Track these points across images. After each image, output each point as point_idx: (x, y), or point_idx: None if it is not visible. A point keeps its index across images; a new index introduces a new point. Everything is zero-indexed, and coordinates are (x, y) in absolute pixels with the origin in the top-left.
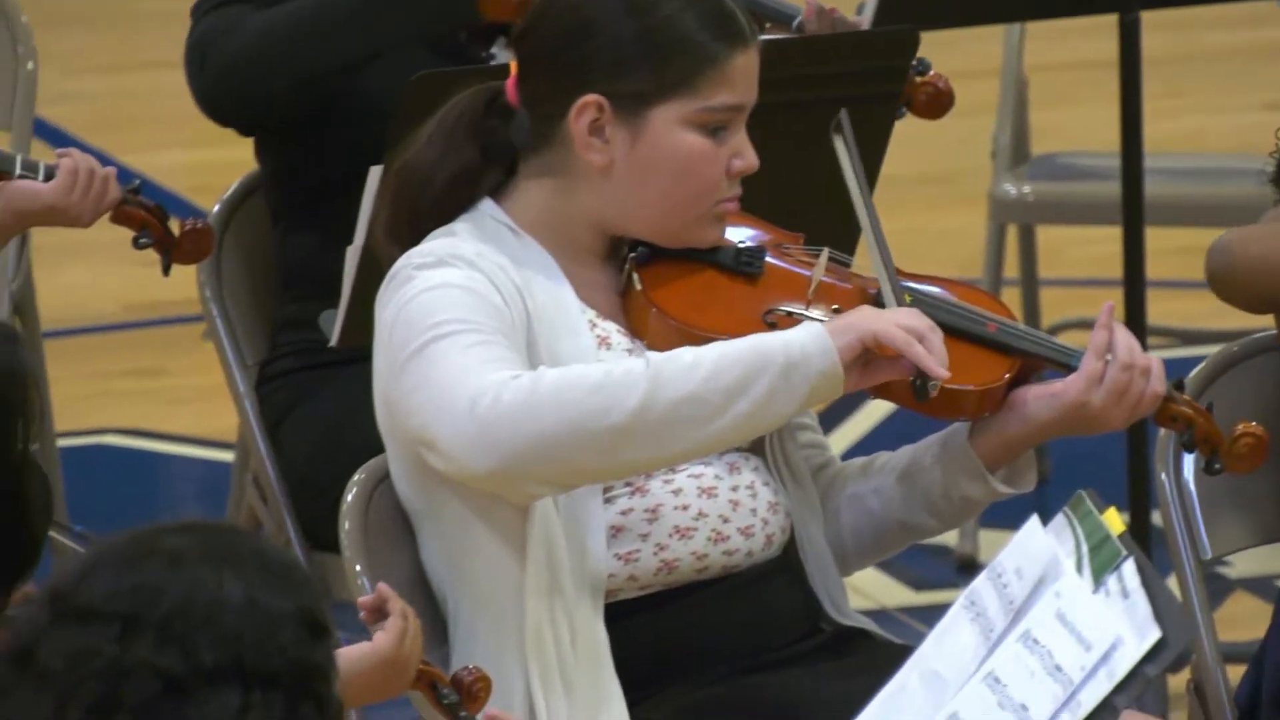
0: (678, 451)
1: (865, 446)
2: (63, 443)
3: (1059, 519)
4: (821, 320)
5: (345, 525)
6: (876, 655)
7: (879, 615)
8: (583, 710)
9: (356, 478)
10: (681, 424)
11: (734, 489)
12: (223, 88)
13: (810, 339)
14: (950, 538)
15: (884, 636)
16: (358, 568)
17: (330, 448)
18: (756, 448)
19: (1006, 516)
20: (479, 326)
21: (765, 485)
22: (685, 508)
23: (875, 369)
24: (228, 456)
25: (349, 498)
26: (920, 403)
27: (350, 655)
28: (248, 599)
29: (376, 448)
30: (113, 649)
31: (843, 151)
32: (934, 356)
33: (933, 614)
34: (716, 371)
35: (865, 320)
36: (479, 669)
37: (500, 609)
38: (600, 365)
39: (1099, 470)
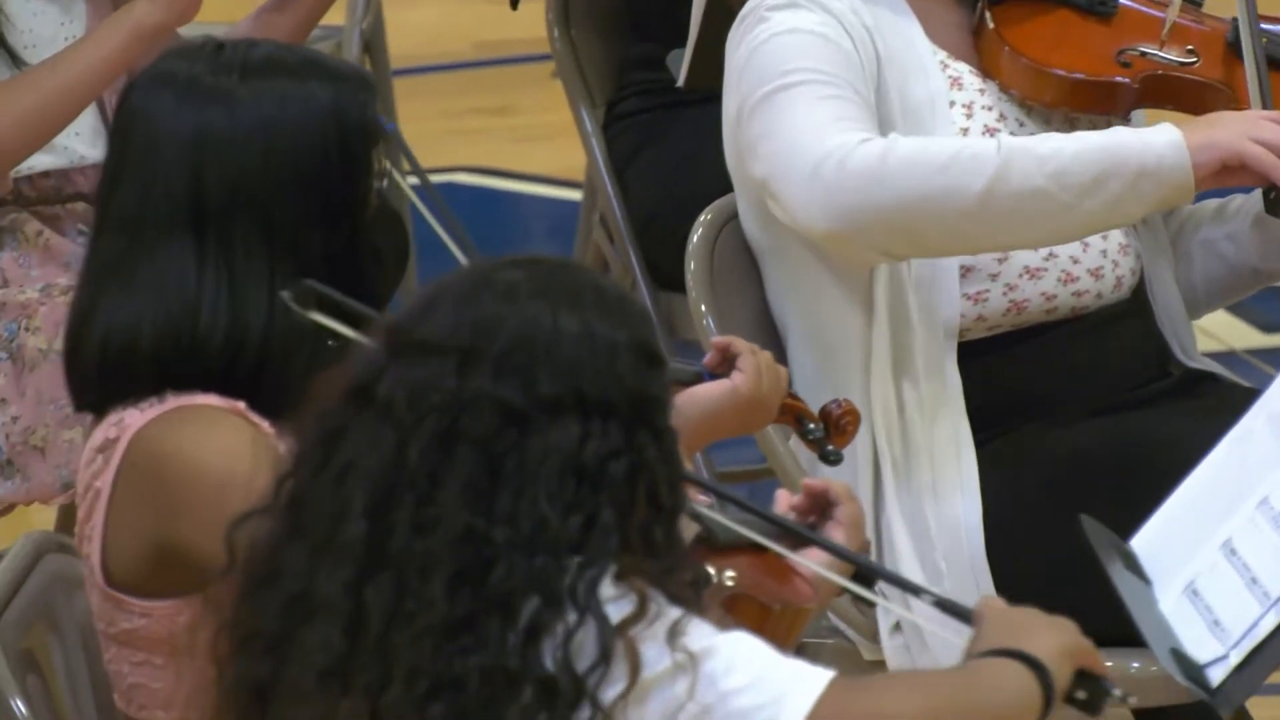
0: (1017, 241)
1: (1220, 189)
2: (414, 180)
3: None
4: (1177, 62)
5: (691, 265)
6: (1224, 398)
7: (1227, 357)
8: (925, 455)
9: (703, 218)
10: (1024, 216)
11: None
12: None
13: (1169, 149)
14: None
15: (1231, 379)
16: (703, 307)
17: (677, 188)
18: None
19: None
20: (831, 78)
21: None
22: (1035, 248)
23: (1229, 176)
24: (577, 195)
25: (695, 237)
26: (1271, 214)
27: (710, 394)
28: (584, 330)
29: (724, 187)
30: (452, 382)
31: None
32: None
33: None
34: (1068, 168)
35: (1229, 138)
36: (848, 402)
37: (845, 352)
38: (953, 142)
39: None
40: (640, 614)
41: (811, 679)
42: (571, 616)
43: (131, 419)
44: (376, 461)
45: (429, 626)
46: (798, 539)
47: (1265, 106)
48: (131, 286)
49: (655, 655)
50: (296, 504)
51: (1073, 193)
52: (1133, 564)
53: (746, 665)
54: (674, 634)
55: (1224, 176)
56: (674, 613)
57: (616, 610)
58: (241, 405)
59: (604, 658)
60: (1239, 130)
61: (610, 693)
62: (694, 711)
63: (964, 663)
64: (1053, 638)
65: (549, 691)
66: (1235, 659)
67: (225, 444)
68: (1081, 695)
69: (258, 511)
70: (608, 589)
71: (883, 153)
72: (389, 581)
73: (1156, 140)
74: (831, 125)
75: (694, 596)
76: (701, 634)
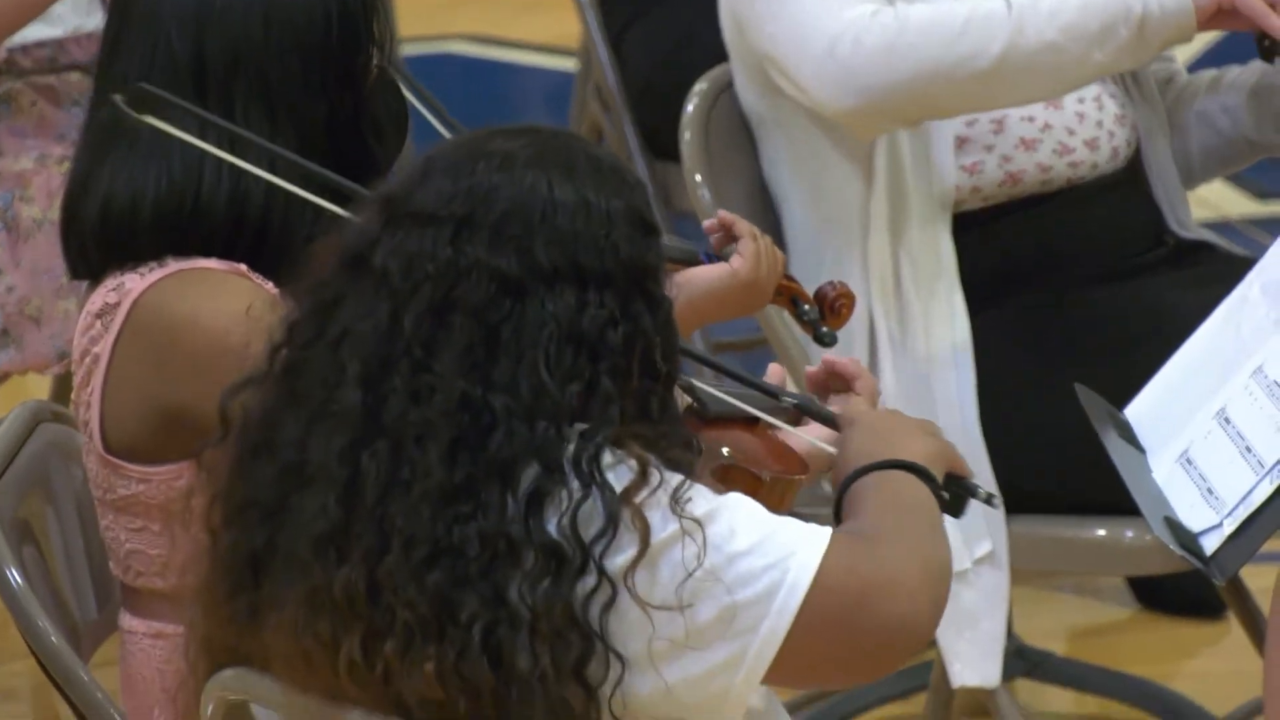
0: (1033, 95)
1: (1213, 58)
2: (409, 50)
3: None
4: None
5: (686, 135)
6: (1219, 266)
7: (1221, 226)
8: (920, 326)
9: (698, 87)
10: (1041, 70)
11: (1080, 101)
12: None
13: None
14: None
15: (1226, 248)
16: (698, 177)
17: (673, 56)
18: None
19: None
20: None
21: (1111, 98)
22: (1031, 119)
23: (1223, 19)
24: (574, 64)
25: (690, 107)
26: (1265, 61)
27: (708, 277)
28: (579, 200)
29: (719, 56)
30: (446, 251)
31: None
32: None
33: (1276, 225)
34: (1077, 21)
35: None
36: (843, 284)
37: (843, 222)
38: (961, 6)
39: None
40: (643, 481)
41: (815, 536)
42: (575, 485)
43: (132, 283)
44: (371, 330)
45: (425, 493)
46: (789, 410)
47: None
48: (133, 153)
49: (660, 521)
50: (291, 372)
51: (1083, 43)
52: (1127, 433)
53: (749, 527)
54: (676, 500)
55: (1220, 20)
56: (674, 479)
57: (617, 478)
58: (243, 267)
59: (611, 525)
60: None
61: (618, 560)
62: (701, 576)
63: (877, 490)
64: (923, 442)
65: (554, 558)
66: (1229, 527)
67: (231, 305)
68: (947, 496)
69: (254, 380)
70: (605, 456)
71: (898, 25)
72: (385, 449)
73: None
74: (839, 0)
75: (689, 461)
76: (703, 499)
